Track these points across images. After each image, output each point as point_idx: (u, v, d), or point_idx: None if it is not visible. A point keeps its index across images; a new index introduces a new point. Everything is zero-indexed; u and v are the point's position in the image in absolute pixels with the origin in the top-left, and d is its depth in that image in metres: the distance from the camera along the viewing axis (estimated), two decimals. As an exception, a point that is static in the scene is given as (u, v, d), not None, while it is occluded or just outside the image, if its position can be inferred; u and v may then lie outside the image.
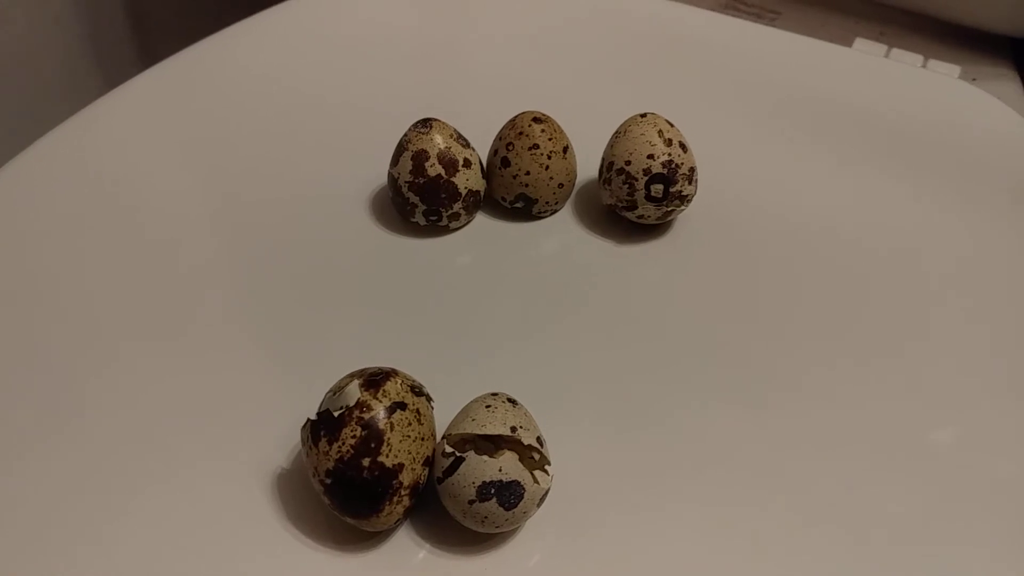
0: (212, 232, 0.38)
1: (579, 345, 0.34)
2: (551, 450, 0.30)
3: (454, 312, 0.35)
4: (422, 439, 0.27)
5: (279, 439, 0.30)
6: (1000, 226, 0.40)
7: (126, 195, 0.40)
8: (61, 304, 0.35)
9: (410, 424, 0.27)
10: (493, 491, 0.26)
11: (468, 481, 0.26)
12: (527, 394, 0.31)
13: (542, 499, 0.27)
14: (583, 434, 0.31)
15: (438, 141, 0.36)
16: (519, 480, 0.26)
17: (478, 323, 0.35)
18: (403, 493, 0.26)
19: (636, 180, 0.36)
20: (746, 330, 0.35)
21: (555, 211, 0.40)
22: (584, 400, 0.32)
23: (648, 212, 0.37)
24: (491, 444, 0.27)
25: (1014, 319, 0.36)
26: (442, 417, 0.29)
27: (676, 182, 0.36)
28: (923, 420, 0.32)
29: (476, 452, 0.26)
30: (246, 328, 0.34)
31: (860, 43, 0.56)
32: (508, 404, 0.28)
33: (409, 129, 0.37)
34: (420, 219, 0.38)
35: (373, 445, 0.26)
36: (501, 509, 0.26)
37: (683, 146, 0.36)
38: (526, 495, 0.26)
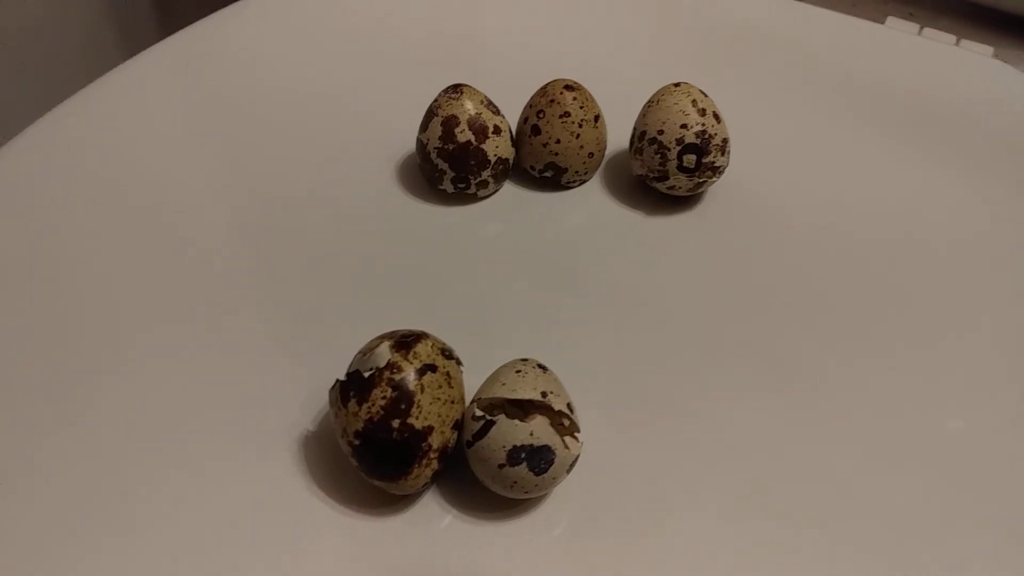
0: (236, 197, 0.38)
1: (605, 317, 0.34)
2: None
3: (480, 281, 0.35)
4: (452, 402, 0.27)
5: (305, 402, 0.30)
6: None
7: (144, 164, 0.39)
8: (82, 271, 0.34)
9: (440, 386, 0.26)
10: (523, 455, 0.26)
11: (498, 445, 0.26)
12: (552, 364, 0.30)
13: (571, 465, 0.27)
14: (607, 405, 0.31)
15: (469, 107, 0.36)
16: (550, 445, 0.26)
17: (504, 292, 0.34)
18: (432, 456, 0.26)
19: (668, 150, 0.35)
20: (772, 307, 0.34)
21: (584, 181, 0.39)
22: (610, 371, 0.32)
23: (679, 183, 0.36)
24: (520, 409, 0.27)
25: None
26: (469, 383, 0.29)
27: (709, 152, 0.35)
28: (947, 413, 0.31)
29: (507, 416, 0.26)
30: (273, 293, 0.34)
31: (892, 22, 0.55)
32: (538, 369, 0.28)
33: (439, 95, 0.36)
34: (448, 186, 0.37)
35: (403, 406, 0.25)
36: (531, 474, 0.26)
37: (716, 116, 0.36)
38: (556, 460, 0.26)
